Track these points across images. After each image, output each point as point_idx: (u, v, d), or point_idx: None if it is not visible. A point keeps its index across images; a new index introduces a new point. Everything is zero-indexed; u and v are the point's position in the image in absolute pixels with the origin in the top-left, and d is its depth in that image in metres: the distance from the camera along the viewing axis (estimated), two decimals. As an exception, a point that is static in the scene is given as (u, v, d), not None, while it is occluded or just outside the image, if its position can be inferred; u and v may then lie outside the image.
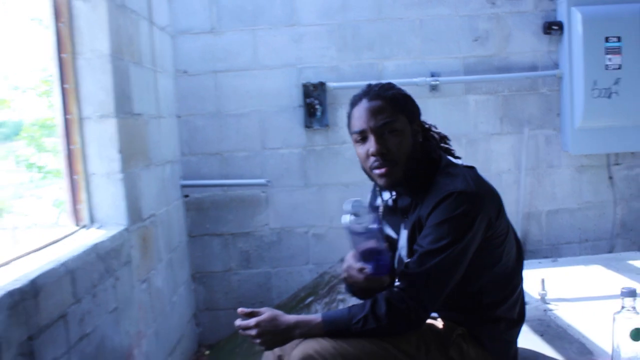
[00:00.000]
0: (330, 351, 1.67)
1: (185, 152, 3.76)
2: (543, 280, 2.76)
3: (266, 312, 1.80)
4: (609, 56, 3.58)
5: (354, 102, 1.82)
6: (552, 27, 3.72)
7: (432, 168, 1.78)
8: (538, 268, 3.27)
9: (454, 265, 1.68)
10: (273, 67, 3.73)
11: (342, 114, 3.66)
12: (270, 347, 1.82)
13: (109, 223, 2.61)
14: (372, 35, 3.75)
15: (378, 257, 1.73)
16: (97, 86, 2.54)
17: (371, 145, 1.74)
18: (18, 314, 1.65)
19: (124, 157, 2.64)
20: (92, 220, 2.61)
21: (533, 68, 3.80)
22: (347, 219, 1.72)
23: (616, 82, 3.59)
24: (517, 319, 1.90)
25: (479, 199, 1.68)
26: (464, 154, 3.78)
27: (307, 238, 3.76)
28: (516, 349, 1.97)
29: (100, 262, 2.31)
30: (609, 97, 3.60)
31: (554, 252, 3.84)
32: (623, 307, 1.64)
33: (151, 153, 3.10)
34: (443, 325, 1.84)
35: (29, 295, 1.73)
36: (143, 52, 3.08)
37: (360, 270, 1.75)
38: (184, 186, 3.71)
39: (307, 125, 3.71)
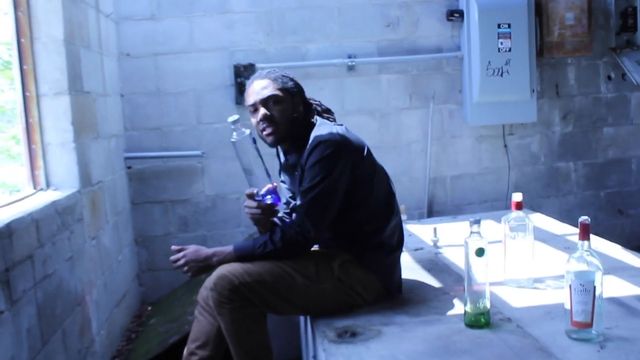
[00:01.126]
0: (239, 270, 2.21)
1: (128, 127, 4.19)
2: (435, 229, 3.33)
3: (191, 247, 2.36)
4: (500, 40, 4.18)
5: (248, 84, 2.40)
6: (454, 15, 4.30)
7: (310, 128, 2.35)
8: (439, 223, 3.85)
9: (328, 195, 2.24)
10: (207, 50, 4.19)
11: (270, 91, 4.15)
12: (195, 274, 2.37)
13: (63, 186, 3.05)
14: (295, 22, 4.26)
15: (265, 194, 2.30)
16: (52, 67, 2.98)
17: (260, 113, 2.31)
18: (3, 248, 2.11)
19: (76, 129, 3.08)
20: (48, 184, 3.04)
21: (438, 50, 4.38)
22: (233, 137, 2.29)
23: (507, 63, 4.20)
24: (396, 245, 2.48)
25: (341, 144, 2.26)
26: (377, 126, 4.38)
27: (239, 204, 4.25)
28: (399, 275, 2.54)
29: (58, 216, 2.76)
30: (501, 75, 4.20)
31: (457, 211, 4.44)
32: (472, 233, 2.20)
33: (99, 127, 3.54)
34: (332, 252, 2.40)
35: (5, 235, 2.18)
36: (91, 37, 3.50)
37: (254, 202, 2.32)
38: (127, 158, 4.16)
39: (238, 102, 4.19)
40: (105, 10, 3.81)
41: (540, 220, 3.66)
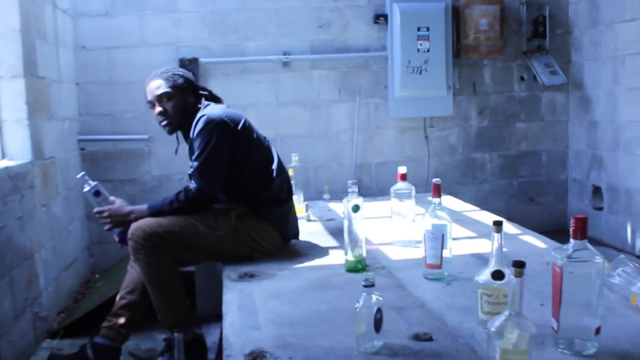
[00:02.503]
0: (151, 223, 2.77)
1: (82, 112, 4.71)
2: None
3: (116, 203, 2.90)
4: (420, 42, 4.76)
5: (146, 83, 2.96)
6: (380, 18, 4.87)
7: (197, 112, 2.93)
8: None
9: (214, 158, 2.82)
10: (156, 45, 4.72)
11: (212, 83, 4.69)
12: (114, 226, 2.91)
13: (17, 157, 3.56)
14: (237, 21, 4.80)
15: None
16: (9, 53, 3.49)
17: (156, 110, 2.89)
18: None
19: (30, 108, 3.59)
20: (4, 155, 3.56)
21: (365, 50, 4.95)
22: (86, 188, 2.97)
23: (425, 62, 4.77)
24: (286, 199, 3.04)
25: (218, 117, 2.83)
26: (309, 117, 4.93)
27: (182, 183, 4.77)
28: (294, 224, 3.11)
29: (10, 180, 3.27)
30: (420, 73, 4.78)
31: (381, 194, 4.98)
32: (350, 192, 2.73)
33: (52, 109, 4.05)
34: (230, 206, 2.95)
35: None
36: (47, 30, 4.02)
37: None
38: (80, 140, 4.66)
39: (183, 92, 4.73)
40: (62, 6, 4.33)
41: (452, 202, 4.19)
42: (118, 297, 3.05)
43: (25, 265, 3.42)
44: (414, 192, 3.12)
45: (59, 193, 4.11)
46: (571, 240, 1.71)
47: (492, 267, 1.93)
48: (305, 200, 3.95)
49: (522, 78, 5.24)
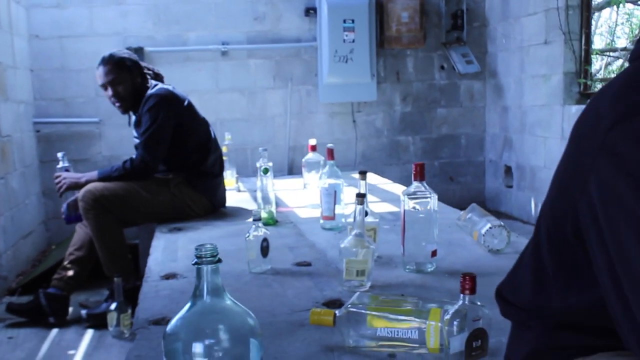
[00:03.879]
0: (100, 187, 3.36)
1: (37, 97, 5.24)
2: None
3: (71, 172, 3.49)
4: (346, 33, 5.39)
5: (97, 67, 3.52)
6: (310, 11, 5.50)
7: (146, 91, 3.49)
8: (290, 178, 5.01)
9: (158, 133, 3.39)
10: (105, 35, 5.28)
11: (157, 70, 5.26)
12: (67, 189, 3.48)
13: (-23, 134, 4.11)
14: (179, 13, 5.38)
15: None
16: (-32, 42, 4.04)
17: (108, 93, 3.46)
18: None
19: (-13, 91, 4.14)
20: (-35, 133, 4.10)
21: (298, 40, 5.57)
22: (59, 164, 3.53)
23: (351, 52, 5.41)
24: (218, 173, 3.64)
25: (165, 96, 3.44)
26: (246, 102, 5.53)
27: (131, 162, 5.35)
28: (222, 194, 3.71)
29: (-29, 153, 3.82)
30: (346, 62, 5.41)
31: (313, 173, 5.62)
32: (261, 158, 3.34)
33: (8, 92, 4.59)
34: (169, 176, 3.54)
35: None
36: (2, 18, 4.55)
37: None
38: (36, 122, 5.20)
39: (130, 78, 5.30)
40: (16, -1, 4.88)
41: (375, 178, 4.82)
42: (67, 253, 3.65)
43: (-15, 230, 3.98)
44: (322, 162, 3.74)
45: (15, 169, 4.65)
46: (413, 182, 2.33)
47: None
48: (242, 176, 4.58)
49: (442, 67, 5.91)
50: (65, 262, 3.63)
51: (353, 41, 5.39)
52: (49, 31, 5.21)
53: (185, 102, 3.57)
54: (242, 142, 5.47)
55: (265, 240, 2.44)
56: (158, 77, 3.69)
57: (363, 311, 1.65)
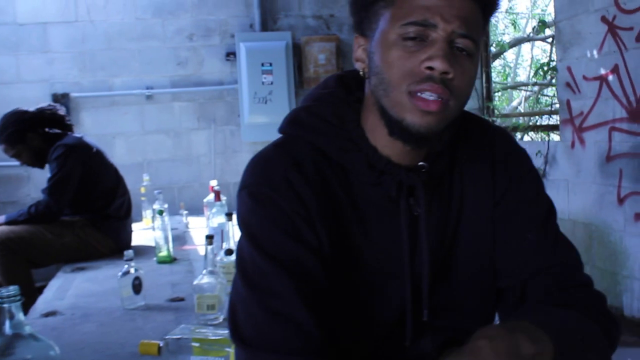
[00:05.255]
0: (6, 229, 3.67)
1: (-34, 143, 5.54)
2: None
3: None
4: (264, 75, 5.79)
5: None
6: (230, 55, 5.89)
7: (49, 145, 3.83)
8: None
9: (64, 180, 3.74)
10: (32, 82, 5.62)
11: (83, 115, 5.61)
12: None
13: None
14: (104, 60, 5.74)
15: None
16: None
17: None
18: None
19: None
20: None
21: (220, 83, 5.96)
22: None
23: (270, 93, 5.80)
24: (123, 216, 3.98)
25: (72, 146, 3.76)
26: (172, 143, 5.88)
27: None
28: (128, 236, 4.04)
29: None
30: (265, 103, 5.80)
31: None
32: (156, 201, 3.69)
33: None
34: (75, 219, 3.87)
35: None
36: None
37: None
38: (-36, 168, 5.51)
39: (56, 123, 5.63)
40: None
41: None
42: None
43: None
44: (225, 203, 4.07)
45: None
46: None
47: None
48: (168, 215, 4.90)
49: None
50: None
51: (271, 83, 5.79)
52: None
53: (94, 150, 3.92)
54: (169, 181, 5.81)
55: (137, 278, 2.78)
56: (67, 127, 4.01)
57: (184, 341, 1.99)
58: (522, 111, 7.99)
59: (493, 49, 5.65)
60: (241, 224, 1.21)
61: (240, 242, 1.20)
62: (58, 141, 3.84)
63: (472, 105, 5.32)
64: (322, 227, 1.16)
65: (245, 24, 5.96)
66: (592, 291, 1.25)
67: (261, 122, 5.86)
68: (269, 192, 1.16)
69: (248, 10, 5.95)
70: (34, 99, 5.62)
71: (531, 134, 6.69)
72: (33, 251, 3.76)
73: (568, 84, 4.90)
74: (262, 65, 5.77)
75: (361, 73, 1.22)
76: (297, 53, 6.01)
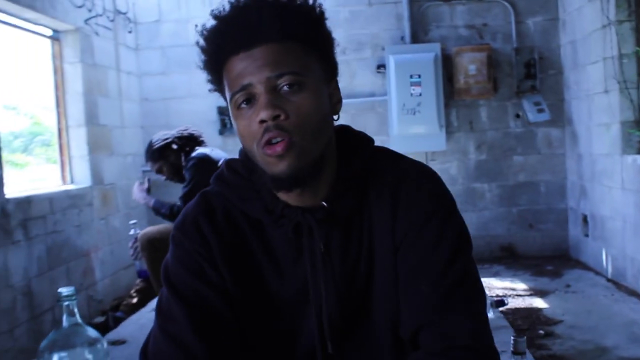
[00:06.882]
0: (154, 231, 4.35)
1: (147, 150, 6.47)
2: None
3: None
4: (412, 87, 6.04)
5: None
6: (380, 68, 6.23)
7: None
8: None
9: (194, 189, 4.31)
10: (201, 96, 6.39)
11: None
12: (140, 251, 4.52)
13: (80, 183, 5.35)
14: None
15: None
16: (75, 109, 5.31)
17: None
18: (24, 208, 4.38)
19: (90, 148, 5.38)
20: (72, 181, 5.36)
21: (371, 95, 6.32)
22: (131, 232, 4.50)
23: (418, 104, 6.04)
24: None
25: (201, 158, 4.31)
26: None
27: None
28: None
29: (69, 199, 5.03)
30: (414, 114, 6.05)
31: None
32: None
33: (114, 148, 5.83)
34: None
35: (25, 202, 4.45)
36: (110, 89, 5.83)
37: None
38: (144, 171, 6.42)
39: (221, 132, 6.36)
40: (125, 69, 6.17)
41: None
42: (134, 283, 4.69)
43: (82, 260, 5.16)
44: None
45: (119, 210, 5.87)
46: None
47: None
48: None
49: (517, 115, 6.33)
50: (132, 291, 4.68)
51: (420, 94, 6.03)
52: (156, 94, 6.45)
53: (220, 161, 4.48)
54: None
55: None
56: (199, 143, 4.60)
57: None
58: None
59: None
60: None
61: None
62: (190, 155, 4.44)
63: (626, 117, 5.14)
64: (225, 265, 1.34)
65: (396, 36, 6.28)
66: (473, 356, 1.22)
67: (410, 134, 6.12)
68: (180, 235, 1.39)
69: (399, 23, 6.27)
70: (202, 111, 6.45)
71: None
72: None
73: None
74: (411, 77, 6.03)
75: None
76: (448, 64, 6.19)
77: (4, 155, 4.30)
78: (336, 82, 1.36)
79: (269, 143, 1.18)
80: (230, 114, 1.26)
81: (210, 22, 1.25)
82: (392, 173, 1.34)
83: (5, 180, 4.18)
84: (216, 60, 1.27)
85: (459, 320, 1.23)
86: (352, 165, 1.32)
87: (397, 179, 1.32)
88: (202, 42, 1.28)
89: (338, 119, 1.36)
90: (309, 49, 1.25)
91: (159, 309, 1.35)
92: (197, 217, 1.36)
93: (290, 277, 1.33)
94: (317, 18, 1.28)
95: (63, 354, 1.35)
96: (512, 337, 1.64)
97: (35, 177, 5.52)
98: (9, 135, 5.78)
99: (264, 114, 1.17)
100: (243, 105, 1.21)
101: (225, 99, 1.28)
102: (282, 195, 1.29)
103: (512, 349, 1.62)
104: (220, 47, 1.25)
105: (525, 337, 1.66)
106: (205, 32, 1.27)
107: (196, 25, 1.30)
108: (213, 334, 1.29)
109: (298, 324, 1.34)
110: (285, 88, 1.20)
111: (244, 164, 1.36)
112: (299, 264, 1.32)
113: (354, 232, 1.31)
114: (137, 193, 4.64)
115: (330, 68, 1.32)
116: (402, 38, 6.27)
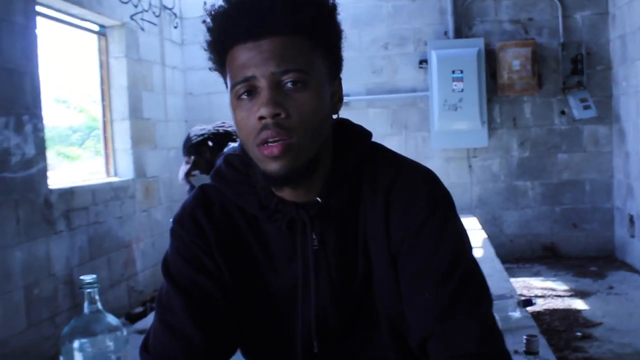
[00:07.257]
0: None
1: (190, 143, 6.60)
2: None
3: None
4: (455, 83, 6.01)
5: None
6: (423, 63, 6.22)
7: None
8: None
9: None
10: (244, 90, 6.48)
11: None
12: None
13: (123, 176, 5.49)
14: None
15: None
16: (120, 103, 5.45)
17: None
18: (67, 200, 4.53)
19: (134, 141, 5.51)
20: (116, 174, 5.51)
21: (413, 90, 6.31)
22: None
23: (460, 100, 6.01)
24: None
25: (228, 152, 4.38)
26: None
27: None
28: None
29: (112, 191, 5.17)
30: (455, 110, 6.03)
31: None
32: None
33: (157, 141, 5.96)
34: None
35: (68, 193, 4.59)
36: (155, 84, 5.96)
37: None
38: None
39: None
40: (170, 64, 6.30)
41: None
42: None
43: (123, 251, 5.30)
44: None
45: (161, 203, 6.00)
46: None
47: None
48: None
49: (562, 112, 6.24)
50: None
51: (462, 90, 6.00)
52: (200, 89, 6.57)
53: None
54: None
55: None
56: (232, 139, 4.68)
57: None
58: None
59: None
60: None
61: None
62: (223, 150, 4.52)
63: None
64: (222, 258, 1.36)
65: (439, 31, 6.27)
66: None
67: (451, 130, 6.10)
68: (178, 227, 1.40)
69: (442, 18, 6.24)
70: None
71: None
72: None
73: None
74: (453, 72, 6.01)
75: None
76: (492, 59, 6.14)
77: (58, 148, 4.45)
78: (340, 80, 1.35)
79: (265, 142, 1.16)
80: (229, 101, 1.24)
81: (220, 3, 1.21)
82: (387, 171, 1.32)
83: (54, 172, 4.31)
84: (222, 44, 1.23)
85: (465, 326, 1.20)
86: (347, 160, 1.31)
87: (391, 178, 1.30)
88: (209, 21, 1.23)
89: (337, 118, 1.36)
90: (317, 44, 1.22)
91: (159, 301, 1.37)
92: (194, 210, 1.37)
93: (285, 272, 1.33)
94: (329, 12, 1.25)
95: (84, 340, 1.39)
96: (524, 337, 1.64)
97: (84, 170, 5.70)
98: (67, 129, 6.01)
99: (264, 111, 1.14)
100: (244, 97, 1.18)
101: (225, 82, 1.26)
102: (277, 191, 1.28)
103: (524, 348, 1.64)
104: (227, 32, 1.21)
105: (537, 337, 1.66)
106: (213, 12, 1.22)
107: (205, 3, 1.28)
108: (211, 324, 1.31)
109: (291, 319, 1.34)
110: (289, 85, 1.17)
111: (242, 158, 1.35)
112: (293, 260, 1.32)
113: (350, 229, 1.30)
114: (180, 173, 4.74)
115: (335, 64, 1.32)
116: (446, 33, 6.26)
